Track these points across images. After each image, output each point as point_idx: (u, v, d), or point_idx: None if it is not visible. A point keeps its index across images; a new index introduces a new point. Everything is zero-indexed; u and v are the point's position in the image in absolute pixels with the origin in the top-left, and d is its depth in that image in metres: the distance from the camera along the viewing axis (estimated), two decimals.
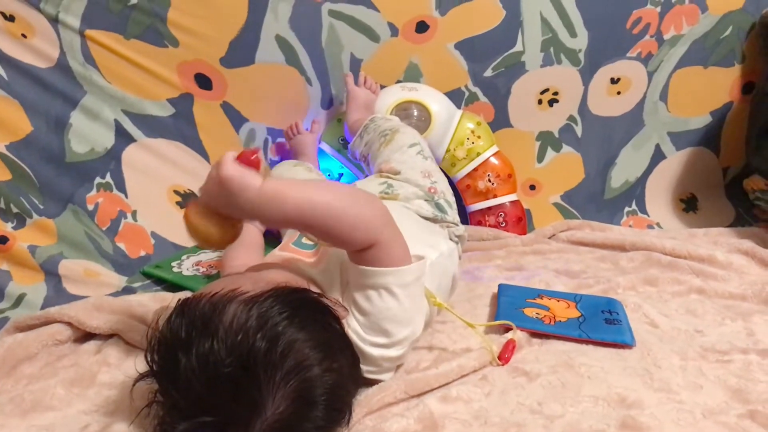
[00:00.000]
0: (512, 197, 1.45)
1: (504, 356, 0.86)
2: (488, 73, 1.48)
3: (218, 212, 0.72)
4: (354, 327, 0.76)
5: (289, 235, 1.01)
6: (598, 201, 1.59)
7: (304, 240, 0.94)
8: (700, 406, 0.75)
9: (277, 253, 0.94)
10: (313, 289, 0.78)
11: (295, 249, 0.93)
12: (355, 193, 0.78)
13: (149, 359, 0.66)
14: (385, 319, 0.76)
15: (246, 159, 0.69)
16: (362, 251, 0.74)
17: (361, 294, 0.76)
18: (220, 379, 0.61)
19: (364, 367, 0.77)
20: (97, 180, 1.31)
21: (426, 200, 1.11)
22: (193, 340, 0.63)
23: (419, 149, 1.21)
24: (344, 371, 0.70)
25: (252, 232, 1.16)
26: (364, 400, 0.76)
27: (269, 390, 0.62)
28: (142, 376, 0.68)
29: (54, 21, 1.27)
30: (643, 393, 0.78)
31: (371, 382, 0.80)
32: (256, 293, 0.68)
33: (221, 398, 0.62)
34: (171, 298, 1.00)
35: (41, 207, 1.23)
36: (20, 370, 0.85)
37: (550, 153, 1.57)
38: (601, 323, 0.95)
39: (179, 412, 0.63)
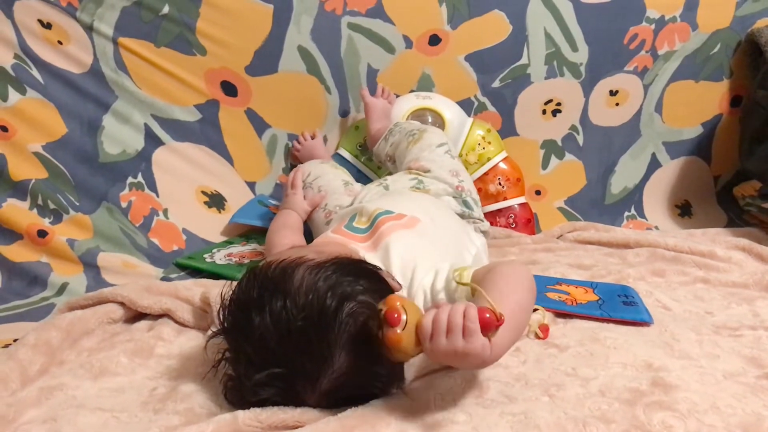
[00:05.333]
0: (521, 200, 1.52)
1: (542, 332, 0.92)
2: (496, 84, 1.57)
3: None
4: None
5: (340, 220, 1.07)
6: (599, 206, 1.67)
7: (355, 224, 1.00)
8: (720, 370, 0.81)
9: (331, 235, 0.99)
10: None
11: (346, 232, 0.99)
12: (530, 283, 0.81)
13: (222, 318, 0.72)
14: None
15: (488, 324, 0.63)
16: None
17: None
18: (292, 334, 0.66)
19: None
20: (130, 180, 1.37)
21: (454, 197, 1.18)
22: (265, 300, 0.68)
23: (447, 149, 1.28)
24: None
25: (294, 218, 1.22)
26: (410, 365, 0.81)
27: (336, 345, 0.67)
28: (215, 334, 0.73)
29: (89, 29, 1.34)
30: (667, 360, 0.83)
31: None
32: (321, 260, 0.73)
33: (292, 352, 0.67)
34: (212, 284, 1.06)
35: (77, 204, 1.28)
36: (80, 343, 0.90)
37: (554, 160, 1.65)
38: (619, 305, 1.02)
39: (252, 365, 0.68)
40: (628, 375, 0.80)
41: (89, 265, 1.23)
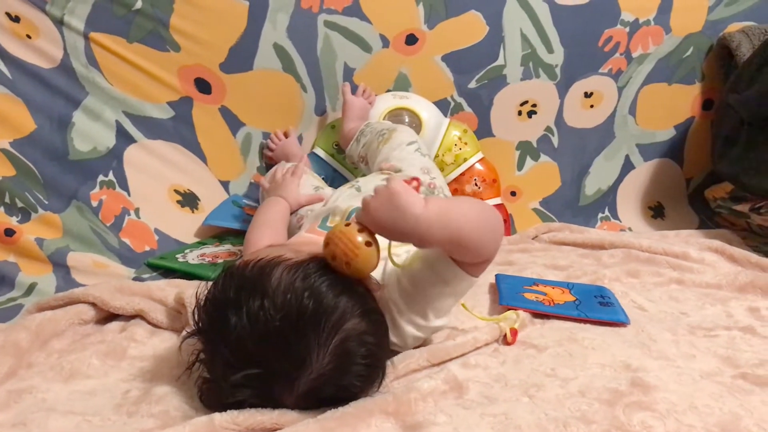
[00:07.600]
0: (497, 201, 1.52)
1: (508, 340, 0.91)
2: (472, 84, 1.57)
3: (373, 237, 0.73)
4: (395, 298, 0.81)
5: (313, 220, 1.06)
6: (573, 207, 1.68)
7: (329, 223, 0.99)
8: (697, 370, 0.82)
9: (305, 235, 0.98)
10: None
11: (321, 232, 0.98)
12: (494, 212, 0.81)
13: (197, 318, 0.70)
14: (433, 307, 0.82)
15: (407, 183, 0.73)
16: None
17: (434, 281, 0.80)
18: (270, 334, 0.65)
19: (391, 338, 0.82)
20: (100, 178, 1.33)
21: (427, 195, 1.17)
22: (243, 300, 0.67)
23: (417, 147, 1.27)
24: (381, 333, 0.75)
25: (281, 208, 1.18)
26: (389, 366, 0.80)
27: (314, 346, 0.66)
28: (190, 334, 0.72)
29: (59, 23, 1.31)
30: (645, 360, 0.84)
31: (394, 352, 0.84)
32: (299, 260, 0.72)
33: (270, 353, 0.66)
34: (186, 285, 1.05)
35: (46, 202, 1.25)
36: (50, 345, 0.87)
37: (529, 162, 1.66)
38: (596, 305, 1.02)
39: (229, 366, 0.67)
40: (606, 375, 0.80)
41: (58, 264, 1.19)
